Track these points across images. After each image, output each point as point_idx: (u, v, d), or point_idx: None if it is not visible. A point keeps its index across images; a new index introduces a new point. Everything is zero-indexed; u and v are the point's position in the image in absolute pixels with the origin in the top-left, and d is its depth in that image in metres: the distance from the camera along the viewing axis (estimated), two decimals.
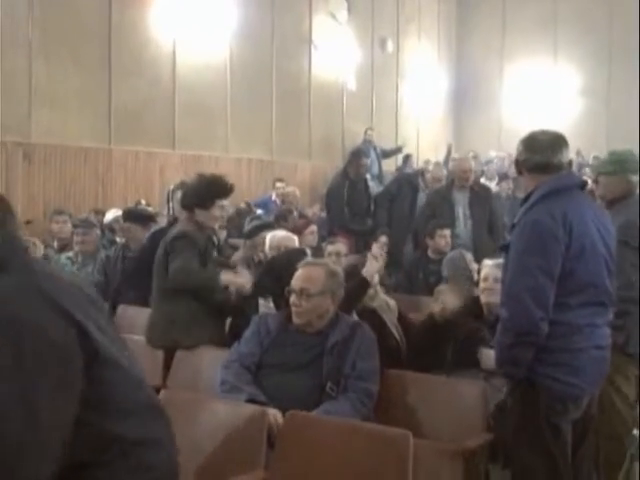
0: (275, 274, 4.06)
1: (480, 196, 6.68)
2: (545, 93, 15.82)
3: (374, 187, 8.80)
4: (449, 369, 3.64)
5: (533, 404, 2.82)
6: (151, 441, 1.68)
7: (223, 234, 6.19)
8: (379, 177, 11.82)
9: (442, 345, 3.69)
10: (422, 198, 7.45)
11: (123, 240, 6.09)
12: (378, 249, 4.79)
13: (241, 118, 11.10)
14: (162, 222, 5.74)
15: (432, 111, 16.29)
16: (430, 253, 6.10)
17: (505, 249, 2.94)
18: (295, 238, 5.06)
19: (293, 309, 3.40)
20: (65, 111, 8.82)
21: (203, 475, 2.78)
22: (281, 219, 6.46)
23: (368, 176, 8.40)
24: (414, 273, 6.10)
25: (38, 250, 5.93)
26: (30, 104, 8.45)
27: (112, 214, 7.31)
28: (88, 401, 1.52)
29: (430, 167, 9.53)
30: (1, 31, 8.06)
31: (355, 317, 3.67)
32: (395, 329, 3.86)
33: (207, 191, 4.22)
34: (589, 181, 4.02)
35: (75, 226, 6.21)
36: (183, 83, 10.20)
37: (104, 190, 9.24)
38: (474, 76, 16.47)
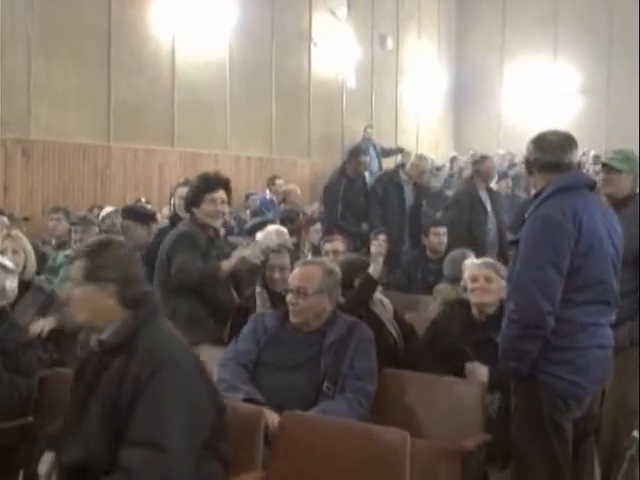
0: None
1: (493, 194, 7.09)
2: (545, 91, 15.78)
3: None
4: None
5: (536, 401, 2.83)
6: None
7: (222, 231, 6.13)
8: None
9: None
10: (408, 192, 7.45)
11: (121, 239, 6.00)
12: (378, 247, 4.76)
13: (240, 115, 11.08)
14: (162, 220, 5.68)
15: (432, 108, 16.26)
16: (428, 252, 6.09)
17: (514, 244, 2.96)
18: (285, 231, 5.00)
19: (290, 308, 3.38)
20: (64, 108, 8.81)
21: None
22: (287, 221, 6.22)
23: (367, 174, 8.37)
24: (413, 272, 6.10)
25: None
26: (29, 101, 8.44)
27: (105, 212, 7.19)
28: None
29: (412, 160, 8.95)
30: (0, 28, 8.05)
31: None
32: (393, 328, 3.85)
33: (196, 187, 4.27)
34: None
35: (73, 224, 6.16)
36: (182, 80, 10.19)
37: (103, 187, 9.23)
38: (474, 74, 16.43)
